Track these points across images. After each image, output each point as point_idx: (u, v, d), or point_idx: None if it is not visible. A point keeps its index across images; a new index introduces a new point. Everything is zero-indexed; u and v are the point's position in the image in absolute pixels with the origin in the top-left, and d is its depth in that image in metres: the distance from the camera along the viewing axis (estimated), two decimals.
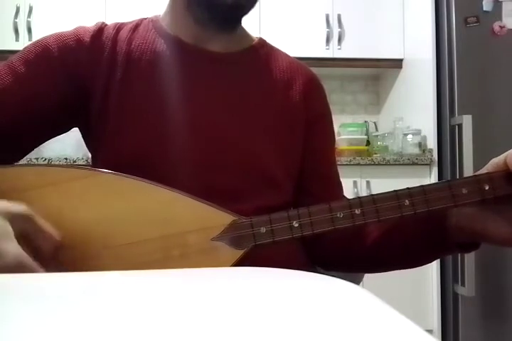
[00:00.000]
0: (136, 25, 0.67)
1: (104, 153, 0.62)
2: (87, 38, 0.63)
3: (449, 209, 0.55)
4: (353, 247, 0.68)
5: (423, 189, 0.50)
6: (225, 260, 0.47)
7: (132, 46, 0.64)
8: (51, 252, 0.45)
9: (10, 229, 0.41)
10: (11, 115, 0.59)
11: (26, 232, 0.43)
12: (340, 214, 0.49)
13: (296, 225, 0.48)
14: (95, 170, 0.50)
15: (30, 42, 0.63)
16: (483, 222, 0.53)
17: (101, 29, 0.65)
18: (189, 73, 0.64)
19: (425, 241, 0.61)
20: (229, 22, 0.66)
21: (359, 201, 0.50)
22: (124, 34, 0.65)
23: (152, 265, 0.47)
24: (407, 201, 0.49)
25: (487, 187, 0.50)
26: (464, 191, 0.50)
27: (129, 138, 0.60)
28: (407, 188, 0.50)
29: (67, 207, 0.48)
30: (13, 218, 0.42)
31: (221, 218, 0.49)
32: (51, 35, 0.63)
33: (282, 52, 0.74)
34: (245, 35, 0.71)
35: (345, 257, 0.71)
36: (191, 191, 0.50)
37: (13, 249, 0.40)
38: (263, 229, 0.48)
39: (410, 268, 0.67)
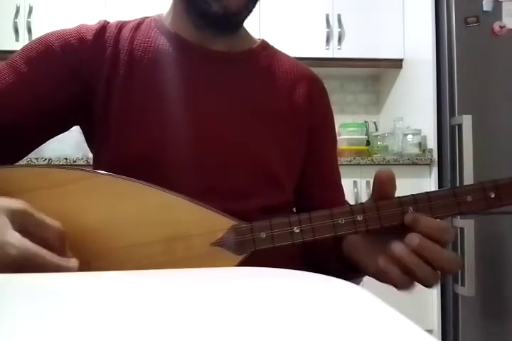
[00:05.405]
0: (139, 24, 0.67)
1: (107, 153, 0.62)
2: (89, 36, 0.62)
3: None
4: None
5: (427, 196, 0.49)
6: (224, 265, 0.47)
7: (134, 45, 0.63)
8: (59, 242, 0.43)
9: (7, 221, 0.40)
10: (13, 114, 0.58)
11: (27, 227, 0.41)
12: (342, 221, 0.48)
13: (297, 231, 0.48)
14: (96, 172, 0.50)
15: (32, 40, 0.62)
16: (362, 251, 0.52)
17: (103, 27, 0.64)
18: (191, 71, 0.63)
19: (333, 263, 0.62)
20: (226, 28, 0.65)
21: (361, 207, 0.48)
22: (126, 32, 0.65)
23: (150, 268, 0.46)
24: (411, 208, 0.48)
25: (493, 195, 0.49)
26: (469, 199, 0.48)
27: (132, 138, 0.60)
28: (412, 195, 0.49)
29: (69, 209, 0.47)
30: (10, 214, 0.41)
31: (221, 223, 0.48)
32: (53, 33, 0.62)
33: (285, 55, 0.73)
34: (247, 36, 0.71)
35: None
36: (195, 190, 0.49)
37: (15, 239, 0.39)
38: (263, 235, 0.47)
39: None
